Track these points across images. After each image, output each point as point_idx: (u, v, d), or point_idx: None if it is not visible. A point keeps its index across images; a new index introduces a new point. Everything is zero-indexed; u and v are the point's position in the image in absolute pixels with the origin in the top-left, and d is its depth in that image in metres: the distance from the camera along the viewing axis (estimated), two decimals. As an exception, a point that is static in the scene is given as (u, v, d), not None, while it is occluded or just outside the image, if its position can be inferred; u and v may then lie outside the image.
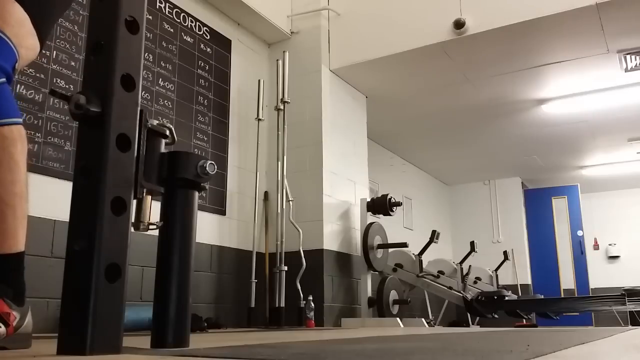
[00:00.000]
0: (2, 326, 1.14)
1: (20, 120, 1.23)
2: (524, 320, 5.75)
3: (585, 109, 5.63)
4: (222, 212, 4.02)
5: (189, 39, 3.96)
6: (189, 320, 1.17)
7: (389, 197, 4.60)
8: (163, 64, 3.69)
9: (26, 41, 1.26)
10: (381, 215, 4.74)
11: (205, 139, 3.96)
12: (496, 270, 6.68)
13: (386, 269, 4.84)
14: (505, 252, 6.83)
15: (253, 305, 3.97)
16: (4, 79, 1.17)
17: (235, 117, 4.29)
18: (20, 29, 1.24)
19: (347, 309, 4.41)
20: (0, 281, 1.20)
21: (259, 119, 4.30)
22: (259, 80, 4.37)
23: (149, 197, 1.14)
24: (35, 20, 1.27)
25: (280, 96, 4.26)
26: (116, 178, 1.01)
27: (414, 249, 5.15)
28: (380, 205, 4.60)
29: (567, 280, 8.23)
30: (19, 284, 1.24)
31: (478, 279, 6.31)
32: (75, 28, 3.09)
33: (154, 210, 1.17)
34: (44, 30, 1.31)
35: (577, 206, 8.50)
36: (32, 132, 2.78)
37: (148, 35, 3.62)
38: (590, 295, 7.50)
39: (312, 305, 3.94)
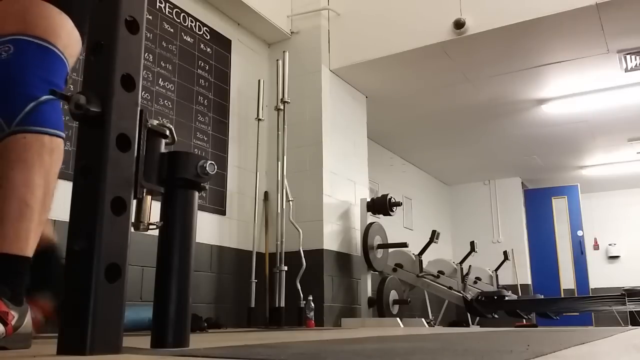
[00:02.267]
0: (1, 325, 1.13)
1: (63, 135, 1.27)
2: (524, 320, 5.75)
3: (585, 109, 5.63)
4: (222, 212, 4.02)
5: (189, 39, 3.96)
6: (189, 320, 1.17)
7: (389, 197, 4.60)
8: (163, 64, 3.69)
9: (74, 50, 1.31)
10: (381, 215, 4.74)
11: (205, 139, 3.96)
12: (496, 270, 6.68)
13: (386, 269, 4.84)
14: (505, 252, 6.83)
15: (253, 305, 3.98)
16: (54, 96, 1.21)
17: (235, 117, 4.29)
18: (70, 39, 1.29)
19: (347, 309, 4.41)
20: (9, 283, 1.18)
21: (259, 119, 4.30)
22: (259, 80, 4.37)
23: (149, 197, 1.14)
24: (80, 28, 1.31)
25: (280, 96, 4.27)
26: (116, 178, 1.01)
27: (414, 249, 5.15)
28: (380, 205, 4.60)
29: (567, 280, 8.23)
30: (18, 285, 1.22)
31: (478, 279, 6.31)
32: (75, 28, 3.08)
33: (154, 210, 1.17)
34: (84, 35, 1.33)
35: (577, 206, 8.51)
36: (32, 132, 2.78)
37: (148, 35, 3.62)
38: (590, 295, 7.50)
39: (312, 305, 3.94)
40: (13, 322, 1.17)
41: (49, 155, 1.22)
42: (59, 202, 2.91)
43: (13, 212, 1.17)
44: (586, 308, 6.23)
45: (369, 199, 4.69)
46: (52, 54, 1.25)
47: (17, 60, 1.20)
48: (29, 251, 1.21)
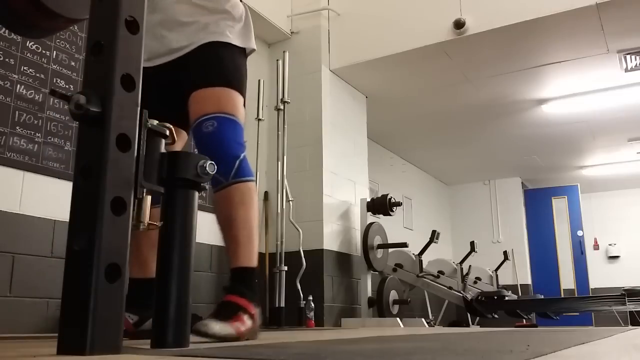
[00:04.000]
0: (251, 322, 1.60)
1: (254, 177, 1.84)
2: (524, 320, 5.75)
3: (585, 109, 5.63)
4: (222, 212, 4.01)
5: (189, 39, 3.95)
6: (189, 320, 1.17)
7: (389, 197, 4.60)
8: (163, 64, 3.69)
9: (244, 116, 1.87)
10: (381, 215, 4.74)
11: (205, 139, 3.96)
12: (496, 270, 6.68)
13: (386, 269, 4.84)
14: (505, 252, 6.83)
15: (253, 305, 3.97)
16: (245, 152, 1.80)
17: (235, 117, 4.29)
18: (243, 111, 1.86)
19: (347, 309, 4.41)
20: (250, 288, 1.68)
21: (259, 119, 4.30)
22: (259, 80, 4.36)
23: (149, 197, 1.13)
24: (244, 99, 1.89)
25: (280, 96, 4.26)
26: (116, 178, 1.01)
27: (414, 249, 5.15)
28: (380, 205, 4.61)
29: (567, 280, 8.23)
30: (256, 289, 1.72)
31: (478, 279, 6.31)
32: (75, 28, 3.09)
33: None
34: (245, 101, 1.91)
35: (577, 206, 8.51)
36: (32, 132, 2.78)
37: (148, 35, 3.61)
38: (590, 295, 7.50)
39: (312, 305, 3.94)
40: (258, 321, 1.65)
41: (255, 195, 1.80)
42: (59, 202, 2.91)
43: (244, 238, 1.73)
44: (586, 308, 6.23)
45: (369, 199, 4.69)
46: (238, 124, 1.81)
47: (220, 131, 1.75)
48: (256, 263, 1.76)
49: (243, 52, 1.98)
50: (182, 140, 2.05)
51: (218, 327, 1.48)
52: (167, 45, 1.90)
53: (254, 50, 2.04)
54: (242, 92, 1.88)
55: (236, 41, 1.92)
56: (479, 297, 5.17)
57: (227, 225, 1.74)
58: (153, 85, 1.97)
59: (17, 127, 2.72)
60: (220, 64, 1.86)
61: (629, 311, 6.85)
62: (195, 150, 1.87)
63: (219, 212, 1.78)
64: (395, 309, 4.59)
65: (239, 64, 1.92)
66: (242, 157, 1.76)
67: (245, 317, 1.59)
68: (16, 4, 1.37)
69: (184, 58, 1.88)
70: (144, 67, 2.03)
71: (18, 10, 1.38)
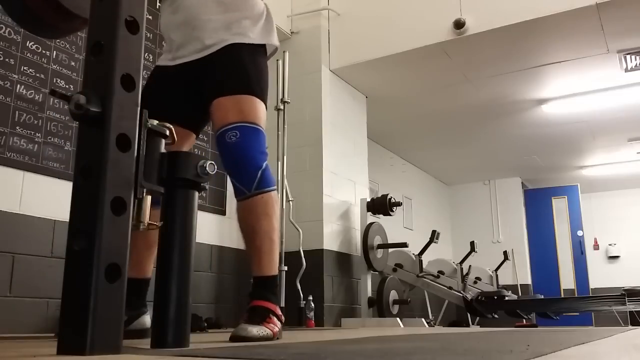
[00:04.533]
0: (279, 323, 1.74)
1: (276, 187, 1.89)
2: (524, 320, 5.75)
3: (585, 109, 5.63)
4: (222, 212, 4.02)
5: (189, 39, 3.95)
6: (189, 320, 1.17)
7: (389, 197, 4.60)
8: (163, 64, 3.69)
9: (265, 122, 1.89)
10: (381, 215, 4.73)
11: (205, 139, 3.96)
12: (496, 270, 6.68)
13: (386, 269, 4.84)
14: (505, 252, 6.82)
15: (253, 305, 3.97)
16: (267, 160, 1.84)
17: (235, 117, 4.28)
18: (264, 117, 1.89)
19: (347, 309, 4.41)
20: (274, 294, 1.80)
21: (259, 119, 4.29)
22: (259, 80, 4.36)
23: (149, 197, 1.13)
24: (266, 104, 1.92)
25: (280, 96, 4.26)
26: (116, 178, 1.01)
27: (414, 249, 5.15)
28: (380, 205, 4.60)
29: (567, 280, 8.23)
30: (279, 296, 1.88)
31: (478, 279, 6.31)
32: (75, 28, 3.08)
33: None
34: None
35: (577, 206, 8.50)
36: (32, 132, 2.78)
37: (148, 35, 3.62)
38: (590, 295, 7.50)
39: (312, 305, 3.94)
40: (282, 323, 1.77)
41: (277, 205, 1.87)
42: (59, 202, 2.90)
43: (266, 248, 1.80)
44: (586, 308, 6.23)
45: (369, 199, 4.69)
46: (261, 132, 1.84)
47: (243, 142, 1.78)
48: (277, 270, 1.86)
49: (264, 51, 2.02)
50: (190, 143, 2.04)
51: (255, 330, 1.60)
52: (191, 44, 1.91)
53: (277, 47, 2.08)
54: (264, 97, 1.91)
55: (258, 40, 1.97)
56: (479, 297, 5.17)
57: (251, 235, 1.81)
58: (170, 86, 1.95)
59: (17, 127, 2.72)
60: (243, 70, 1.88)
61: (629, 311, 6.84)
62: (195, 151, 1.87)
63: (242, 221, 1.84)
64: (395, 309, 4.59)
65: (262, 67, 1.96)
66: (264, 166, 1.81)
67: (275, 319, 1.73)
68: (35, 5, 1.39)
69: (207, 59, 1.89)
70: (164, 67, 2.06)
71: (37, 12, 1.40)
